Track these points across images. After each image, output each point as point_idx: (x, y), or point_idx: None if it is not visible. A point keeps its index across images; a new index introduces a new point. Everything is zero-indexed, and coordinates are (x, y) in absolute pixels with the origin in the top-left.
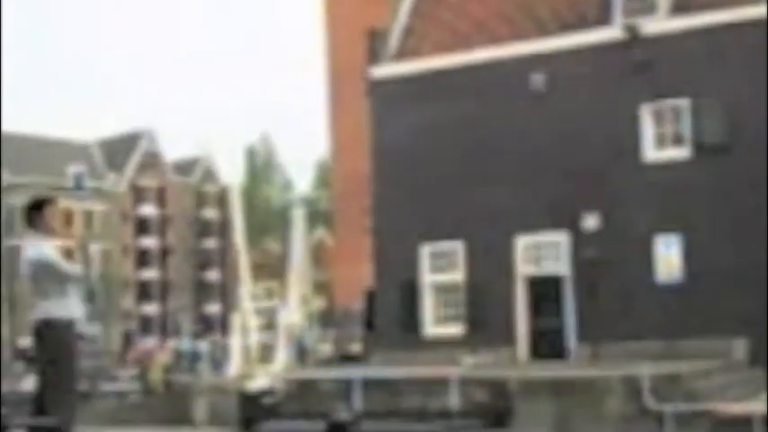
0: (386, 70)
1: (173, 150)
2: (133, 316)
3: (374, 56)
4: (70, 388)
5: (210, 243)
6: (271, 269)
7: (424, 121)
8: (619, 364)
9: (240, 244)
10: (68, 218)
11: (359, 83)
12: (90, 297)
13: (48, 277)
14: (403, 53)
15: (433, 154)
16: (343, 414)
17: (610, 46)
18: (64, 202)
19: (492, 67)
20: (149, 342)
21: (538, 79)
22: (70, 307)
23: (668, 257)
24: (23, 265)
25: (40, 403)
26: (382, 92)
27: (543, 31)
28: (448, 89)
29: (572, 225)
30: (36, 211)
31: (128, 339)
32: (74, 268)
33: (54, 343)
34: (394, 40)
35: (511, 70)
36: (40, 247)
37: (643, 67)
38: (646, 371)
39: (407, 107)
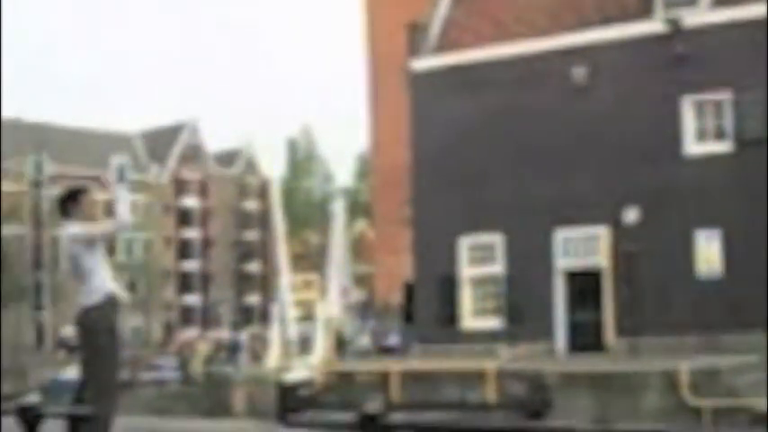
0: (427, 62)
1: (215, 142)
2: (174, 307)
3: (415, 48)
4: (111, 378)
5: (252, 235)
6: (311, 261)
7: (465, 114)
8: (657, 358)
9: (279, 236)
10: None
11: (400, 75)
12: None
13: (81, 249)
14: (444, 45)
15: (473, 146)
16: (373, 405)
17: (651, 39)
18: (103, 194)
19: (533, 60)
20: (190, 333)
21: (579, 72)
22: (105, 286)
23: (708, 252)
24: (63, 249)
25: (82, 393)
26: (423, 84)
27: (585, 23)
28: (489, 81)
29: (612, 219)
30: (72, 202)
31: (169, 330)
32: (103, 226)
33: (92, 332)
34: (435, 32)
35: (552, 63)
36: (70, 229)
37: (684, 60)
38: (684, 365)
39: (448, 99)
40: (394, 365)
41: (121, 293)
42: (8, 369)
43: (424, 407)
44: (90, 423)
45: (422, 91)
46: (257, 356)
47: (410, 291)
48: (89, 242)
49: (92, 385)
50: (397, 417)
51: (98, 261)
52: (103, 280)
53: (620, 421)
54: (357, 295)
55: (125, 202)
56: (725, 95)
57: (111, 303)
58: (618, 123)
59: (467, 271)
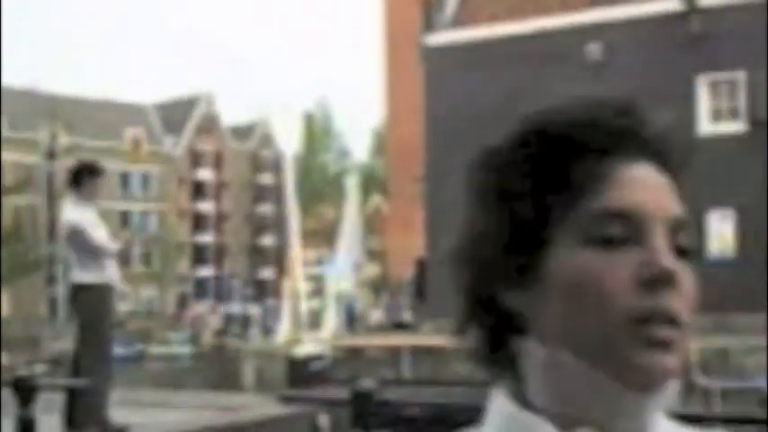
0: (441, 38)
1: (230, 116)
2: (188, 279)
3: (430, 23)
4: (103, 351)
5: (266, 208)
6: (325, 236)
7: (479, 90)
8: None
9: (292, 210)
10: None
11: (415, 50)
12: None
13: (81, 246)
14: (458, 21)
15: (487, 123)
16: (367, 382)
17: (667, 17)
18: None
19: (548, 37)
20: (201, 306)
21: (594, 49)
22: (104, 270)
23: (722, 232)
24: (62, 226)
25: (76, 366)
26: (437, 60)
27: (601, 0)
28: (503, 58)
29: None
30: (88, 176)
31: (182, 302)
32: (107, 243)
33: (87, 307)
34: (450, 7)
35: (567, 40)
36: (75, 212)
37: (700, 39)
38: (694, 345)
39: (462, 75)
40: (404, 341)
41: (119, 284)
42: (21, 340)
43: (432, 383)
44: (86, 395)
45: (436, 67)
46: (269, 330)
47: (422, 267)
48: (78, 234)
49: (87, 358)
50: (393, 394)
51: (96, 257)
52: (103, 261)
53: None
54: (371, 270)
55: (103, 235)
56: (740, 75)
57: (108, 287)
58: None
59: None
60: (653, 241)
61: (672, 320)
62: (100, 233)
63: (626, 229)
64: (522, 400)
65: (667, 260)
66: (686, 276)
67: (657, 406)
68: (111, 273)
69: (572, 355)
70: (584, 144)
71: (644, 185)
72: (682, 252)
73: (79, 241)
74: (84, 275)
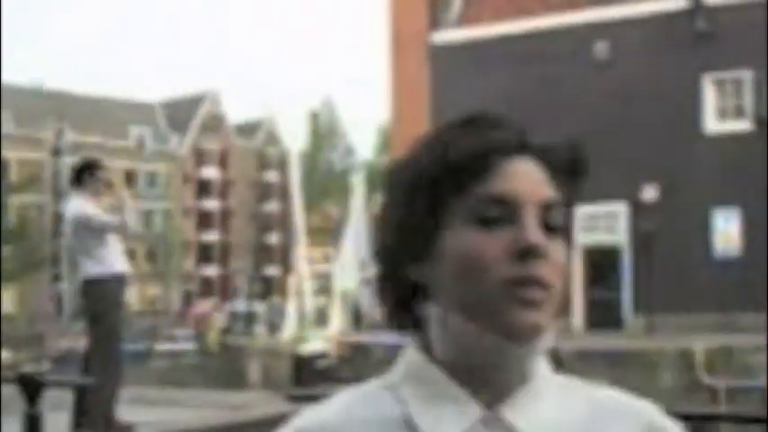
0: (447, 36)
1: (236, 114)
2: (194, 277)
3: (436, 22)
4: (115, 348)
5: (272, 206)
6: (331, 234)
7: (486, 88)
8: (674, 336)
9: (297, 208)
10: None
11: (421, 48)
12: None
13: (87, 233)
14: (464, 19)
15: None
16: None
17: (673, 15)
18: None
19: (554, 35)
20: (206, 304)
21: (601, 48)
22: (113, 261)
23: (727, 231)
24: (66, 223)
25: (88, 363)
26: (444, 58)
27: None
28: (509, 56)
29: (631, 196)
30: (89, 173)
31: (188, 300)
32: (111, 218)
33: (97, 303)
34: (456, 6)
35: (574, 38)
36: (77, 204)
37: (706, 37)
38: (700, 344)
39: (469, 73)
40: (410, 340)
41: (127, 269)
42: (26, 337)
43: None
44: (94, 393)
45: (442, 65)
46: (275, 328)
47: None
48: (85, 226)
49: (97, 355)
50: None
51: (104, 242)
52: (111, 252)
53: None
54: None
55: (131, 210)
56: (746, 74)
57: (118, 279)
58: (638, 100)
59: None
60: (524, 220)
61: (540, 284)
62: (101, 215)
63: (503, 211)
64: (428, 352)
65: (536, 236)
66: (554, 248)
67: (534, 357)
68: (116, 255)
69: (462, 315)
70: (471, 145)
71: (519, 176)
72: (552, 229)
73: (85, 231)
74: (94, 268)
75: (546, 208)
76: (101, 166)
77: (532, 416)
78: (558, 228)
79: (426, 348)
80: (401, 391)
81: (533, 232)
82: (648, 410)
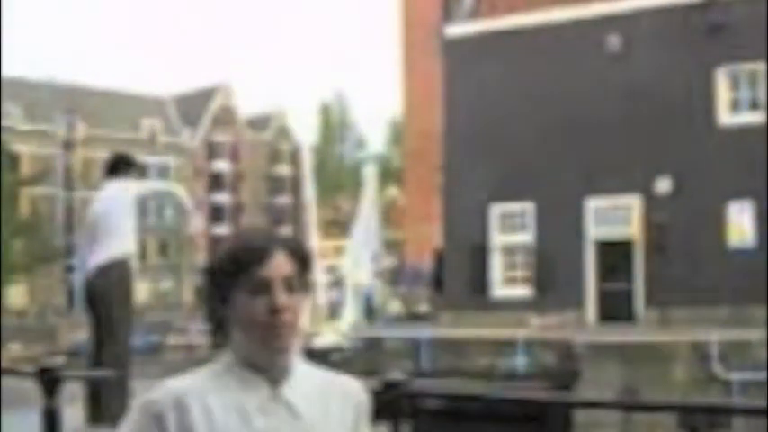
0: (460, 29)
1: (247, 107)
2: None
3: (449, 14)
4: (126, 339)
5: (283, 200)
6: (342, 227)
7: (498, 81)
8: (687, 329)
9: (309, 201)
10: None
11: (433, 40)
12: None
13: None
14: (478, 12)
15: (506, 114)
16: (396, 373)
17: (686, 7)
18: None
19: (567, 28)
20: None
21: (614, 40)
22: (128, 242)
23: (740, 223)
24: (96, 204)
25: (98, 356)
26: (456, 50)
27: None
28: (522, 49)
29: (644, 188)
30: (124, 164)
31: (200, 293)
32: (127, 234)
33: (110, 286)
34: None
35: (586, 31)
36: (120, 186)
37: (719, 29)
38: (714, 337)
39: (481, 66)
40: (423, 332)
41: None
42: (38, 331)
43: (450, 374)
44: (110, 386)
45: (455, 57)
46: None
47: (440, 258)
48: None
49: (109, 347)
50: (423, 384)
51: (127, 222)
52: (124, 240)
53: (649, 392)
54: (388, 261)
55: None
56: (760, 66)
57: (126, 265)
58: (652, 92)
59: (497, 239)
60: (274, 291)
61: (285, 327)
62: (128, 223)
63: (263, 286)
64: (234, 352)
65: (281, 299)
66: (295, 301)
67: (290, 357)
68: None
69: (247, 337)
70: (251, 249)
71: (273, 263)
72: (293, 290)
73: (107, 223)
74: (105, 253)
75: (288, 280)
76: (136, 165)
77: (297, 392)
78: (295, 289)
79: (234, 353)
80: (225, 374)
81: (280, 297)
82: (358, 389)
